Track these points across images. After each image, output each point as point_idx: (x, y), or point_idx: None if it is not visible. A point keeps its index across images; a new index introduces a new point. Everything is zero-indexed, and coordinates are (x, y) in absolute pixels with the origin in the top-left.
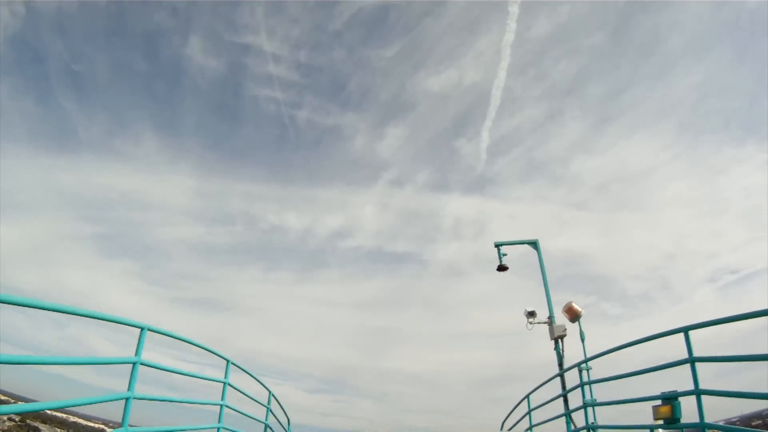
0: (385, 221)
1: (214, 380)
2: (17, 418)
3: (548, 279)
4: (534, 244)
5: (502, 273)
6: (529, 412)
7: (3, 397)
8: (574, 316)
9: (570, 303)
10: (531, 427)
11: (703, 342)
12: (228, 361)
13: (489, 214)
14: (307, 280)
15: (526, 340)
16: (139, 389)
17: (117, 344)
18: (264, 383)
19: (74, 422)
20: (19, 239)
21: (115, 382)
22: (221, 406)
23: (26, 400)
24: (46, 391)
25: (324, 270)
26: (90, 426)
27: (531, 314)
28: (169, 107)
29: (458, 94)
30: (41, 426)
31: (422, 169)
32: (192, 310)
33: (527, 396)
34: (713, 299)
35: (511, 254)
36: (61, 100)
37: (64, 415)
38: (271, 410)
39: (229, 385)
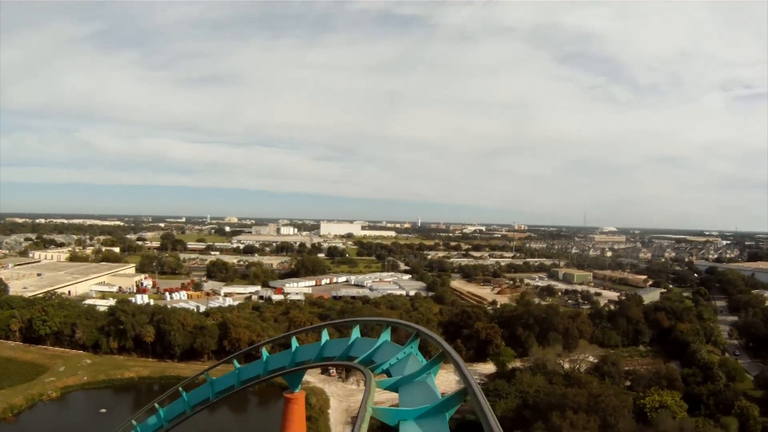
0: None
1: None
2: (33, 236)
3: (556, 55)
4: None
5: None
6: None
7: (20, 220)
8: None
9: None
10: None
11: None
12: None
13: None
14: (313, 46)
15: (532, 113)
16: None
17: (125, 139)
18: None
19: (91, 225)
20: (19, 58)
21: (126, 175)
22: None
23: (41, 216)
24: (57, 202)
25: (330, 35)
26: (106, 225)
27: None
28: None
29: None
30: (57, 237)
31: None
32: (197, 89)
33: None
34: (722, 109)
35: (532, 18)
36: None
37: (80, 221)
38: None
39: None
